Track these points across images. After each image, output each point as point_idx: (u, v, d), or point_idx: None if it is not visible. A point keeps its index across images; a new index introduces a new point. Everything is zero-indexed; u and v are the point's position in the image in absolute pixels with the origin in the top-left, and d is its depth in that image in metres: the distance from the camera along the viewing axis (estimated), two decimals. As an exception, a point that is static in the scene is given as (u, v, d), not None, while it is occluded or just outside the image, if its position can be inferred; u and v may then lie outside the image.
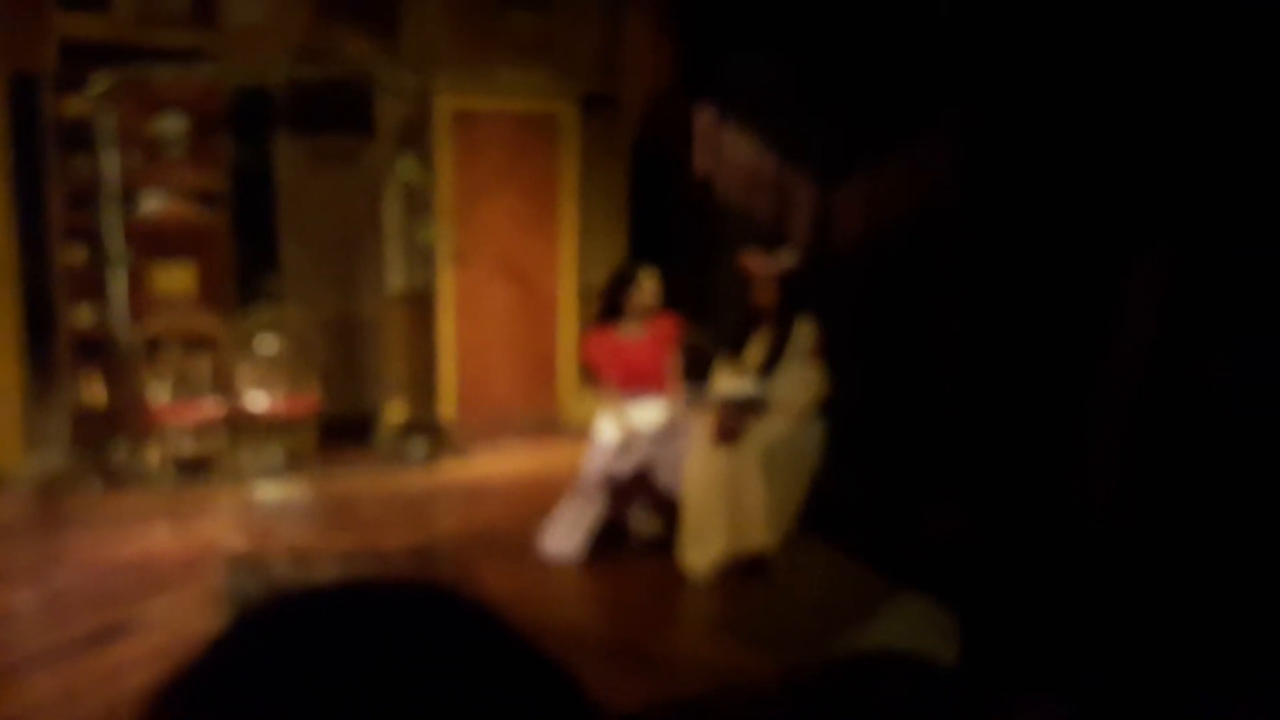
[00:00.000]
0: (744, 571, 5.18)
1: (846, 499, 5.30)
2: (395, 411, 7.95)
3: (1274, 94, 3.63)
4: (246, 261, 7.39)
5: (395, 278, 7.97)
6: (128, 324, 6.97)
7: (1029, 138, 4.72)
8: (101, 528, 6.02)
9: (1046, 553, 4.27)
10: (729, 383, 5.60)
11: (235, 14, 7.30)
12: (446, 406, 8.26)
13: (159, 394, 6.90)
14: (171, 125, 7.04)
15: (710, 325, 6.48)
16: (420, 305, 8.07)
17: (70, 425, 7.03)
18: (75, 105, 6.79)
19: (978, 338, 5.17)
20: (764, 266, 5.60)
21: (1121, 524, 4.10)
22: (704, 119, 7.25)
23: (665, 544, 5.48)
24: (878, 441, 5.68)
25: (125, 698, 3.92)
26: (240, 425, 7.05)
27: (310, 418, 7.19)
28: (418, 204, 7.91)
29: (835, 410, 5.41)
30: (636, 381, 5.67)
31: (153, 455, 6.89)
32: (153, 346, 6.99)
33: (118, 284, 6.96)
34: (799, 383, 5.39)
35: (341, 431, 7.60)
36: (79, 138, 6.82)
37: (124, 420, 6.98)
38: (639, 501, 5.66)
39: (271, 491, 6.79)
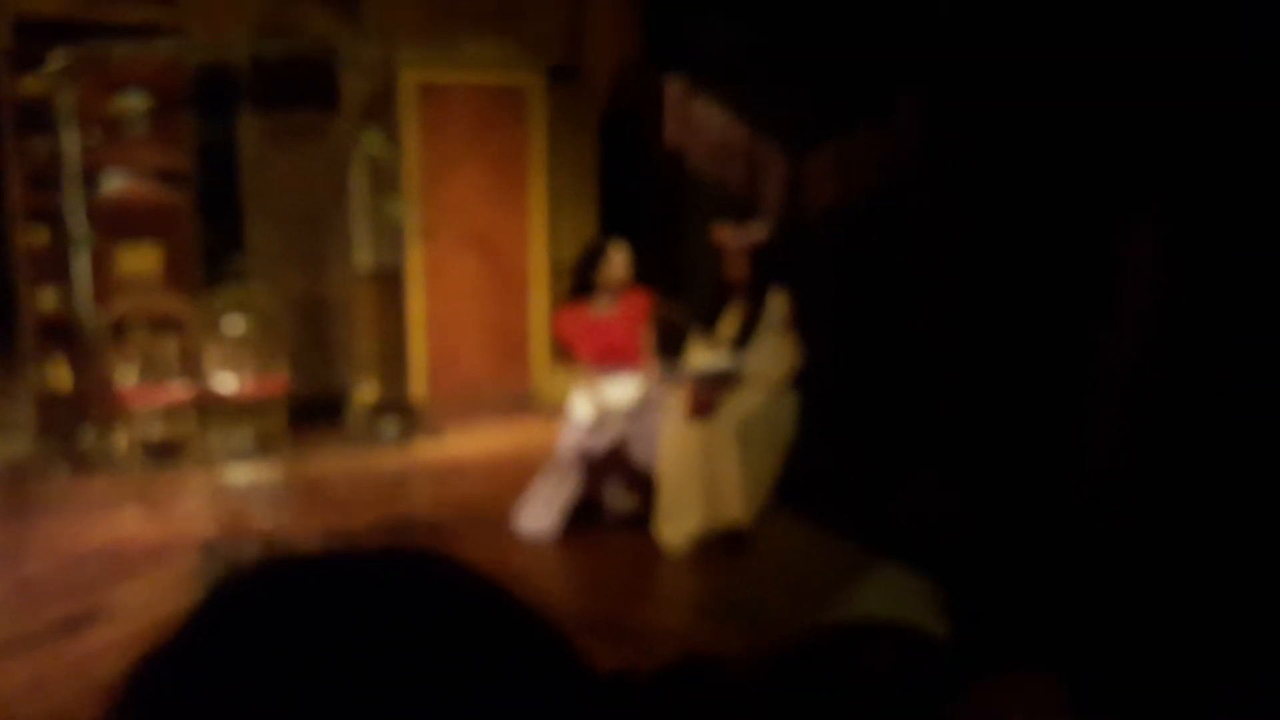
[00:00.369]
0: (720, 545, 5.17)
1: (822, 471, 5.28)
2: (366, 391, 7.88)
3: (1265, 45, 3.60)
4: (212, 241, 7.31)
5: (363, 255, 7.88)
6: (92, 306, 6.90)
7: (1003, 101, 4.69)
8: (69, 514, 5.96)
9: (1033, 525, 4.25)
10: (702, 357, 5.57)
11: (194, -12, 7.19)
12: (418, 385, 8.20)
13: (126, 377, 6.81)
14: (132, 103, 6.94)
15: (683, 299, 6.45)
16: (389, 282, 8.00)
17: (36, 410, 6.94)
18: (33, 84, 6.69)
19: (955, 305, 5.15)
20: (736, 239, 5.56)
21: (1120, 497, 4.08)
22: (673, 89, 7.18)
23: (640, 519, 5.45)
24: (853, 413, 5.67)
25: (96, 686, 3.87)
26: (209, 408, 6.98)
27: (280, 399, 7.12)
28: (384, 179, 7.83)
29: (809, 382, 5.39)
30: (610, 357, 5.63)
31: (120, 439, 6.82)
32: (118, 329, 6.90)
33: (81, 266, 6.89)
34: (773, 356, 5.37)
35: (312, 412, 7.53)
36: (37, 117, 6.73)
37: (91, 404, 6.90)
38: (614, 478, 5.63)
39: (242, 474, 6.73)
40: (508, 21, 8.13)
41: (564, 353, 6.02)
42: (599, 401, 5.54)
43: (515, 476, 6.08)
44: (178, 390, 6.88)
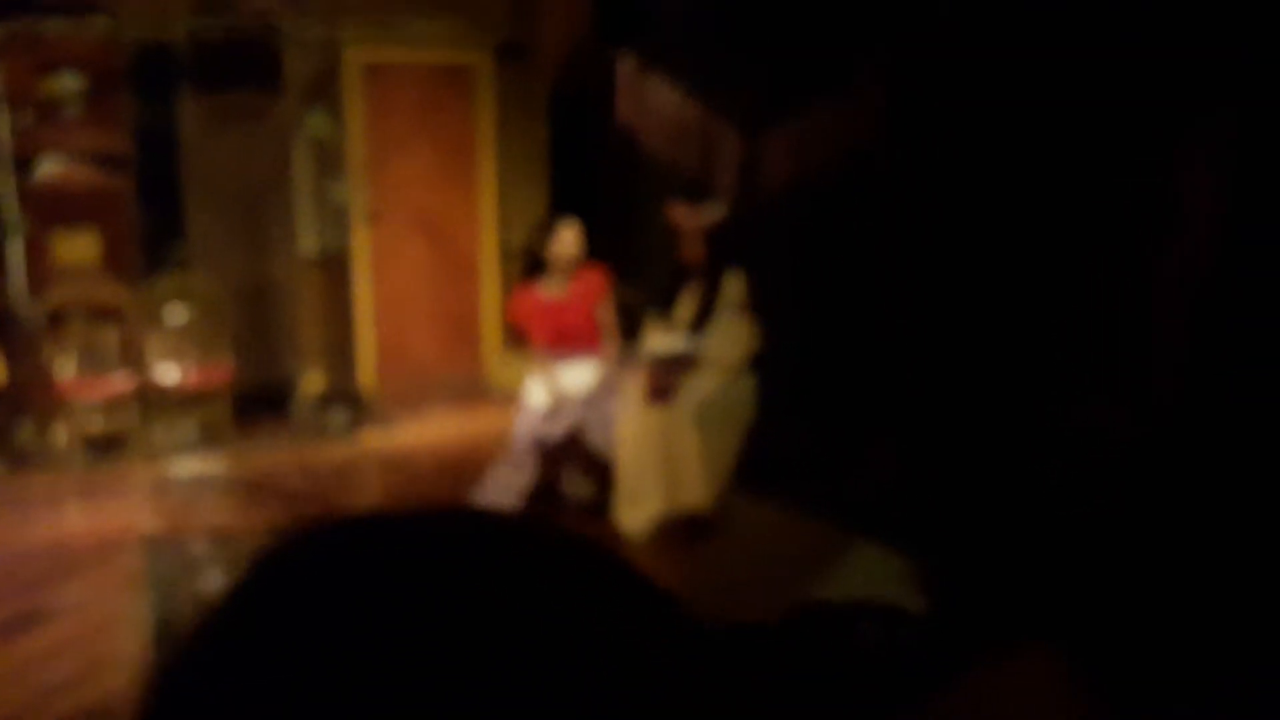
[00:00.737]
0: (682, 530, 5.09)
1: (783, 451, 5.22)
2: (313, 380, 7.73)
3: None
4: (151, 227, 7.13)
5: (308, 239, 7.73)
6: (27, 296, 6.73)
7: (965, 70, 4.64)
8: (8, 511, 5.80)
9: (997, 492, 4.20)
10: (659, 340, 5.50)
11: (130, -37, 6.99)
12: (366, 373, 8.07)
13: (64, 369, 6.64)
14: (67, 84, 6.76)
15: (637, 281, 6.35)
16: (335, 268, 7.85)
17: (-30, 405, 6.74)
18: (-41, 66, 6.48)
19: (915, 280, 5.11)
20: (690, 219, 5.48)
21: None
22: (625, 67, 7.07)
23: (599, 506, 5.37)
24: (814, 390, 5.61)
25: (40, 689, 3.74)
26: (151, 399, 6.82)
27: (224, 389, 6.96)
28: (329, 162, 7.69)
29: (768, 362, 5.33)
30: (565, 341, 5.53)
31: (60, 434, 6.66)
32: (55, 319, 6.73)
33: (15, 254, 6.73)
34: (730, 338, 5.31)
35: (257, 403, 7.39)
36: (-35, 100, 6.53)
37: (28, 398, 6.72)
38: (571, 464, 5.53)
39: (187, 468, 6.57)
40: (453, -2, 8.00)
41: (518, 337, 5.91)
42: (554, 387, 5.44)
43: (468, 465, 6.00)
44: (118, 382, 6.71)
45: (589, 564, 0.51)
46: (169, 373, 6.82)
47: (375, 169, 8.00)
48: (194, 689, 0.45)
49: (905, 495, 4.54)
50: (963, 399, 4.70)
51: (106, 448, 6.68)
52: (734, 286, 5.37)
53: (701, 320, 5.41)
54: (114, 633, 4.17)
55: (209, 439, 6.85)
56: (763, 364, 5.35)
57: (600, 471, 5.42)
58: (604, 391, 5.44)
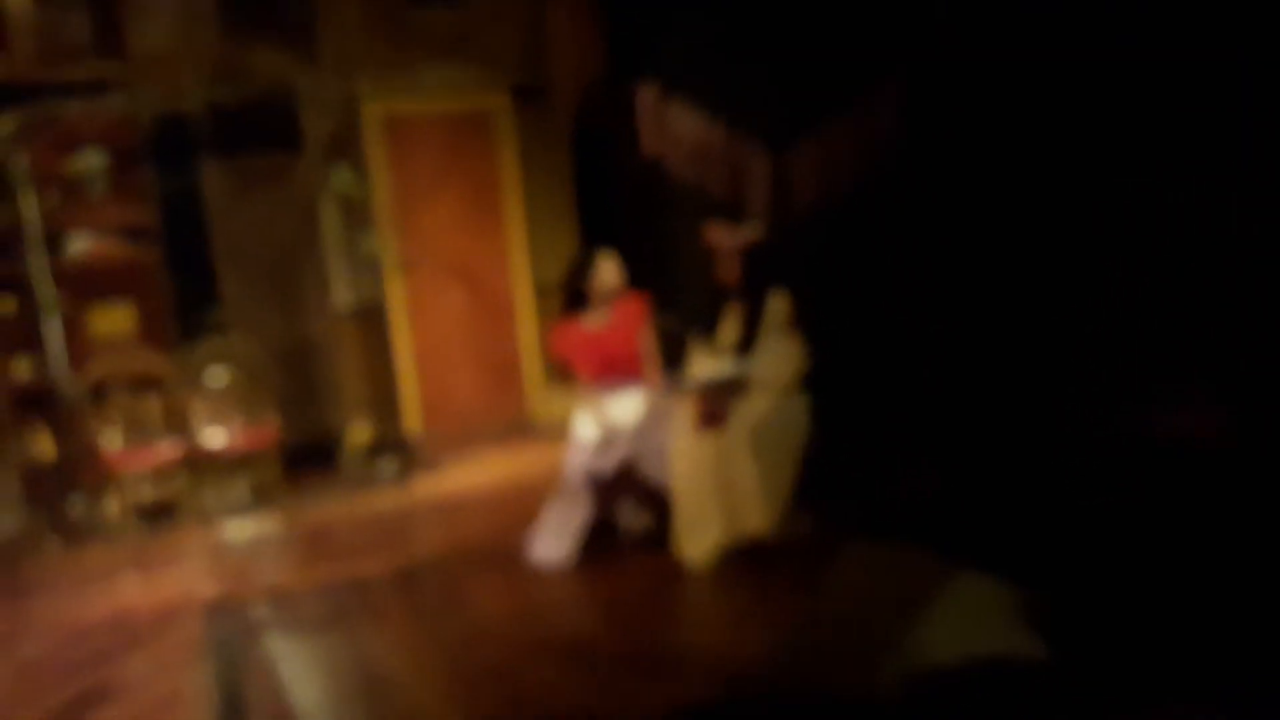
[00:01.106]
0: (746, 558, 5.00)
1: (842, 471, 5.12)
2: (359, 432, 7.71)
3: None
4: (185, 294, 7.19)
5: (342, 293, 7.74)
6: (68, 372, 6.76)
7: (981, 83, 4.57)
8: (66, 588, 5.77)
9: (1102, 513, 3.97)
10: (706, 365, 5.42)
11: (141, 41, 7.07)
12: (411, 420, 8.05)
13: (111, 441, 6.66)
14: (89, 162, 6.84)
15: (676, 308, 6.30)
16: (372, 319, 7.85)
17: (20, 484, 6.76)
18: (-16, 151, 6.54)
19: (946, 290, 5.02)
20: (728, 240, 5.43)
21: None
22: (647, 97, 7.03)
23: (658, 538, 5.29)
24: (867, 408, 5.51)
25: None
26: (200, 464, 6.81)
27: (272, 448, 6.95)
28: (356, 216, 7.71)
29: (818, 382, 5.24)
30: (612, 370, 5.48)
31: (112, 506, 6.66)
32: (98, 392, 6.75)
33: (53, 332, 6.75)
34: (778, 358, 5.22)
35: (306, 459, 7.39)
36: (-7, 184, 6.58)
37: (77, 472, 6.74)
38: (625, 497, 5.46)
39: (241, 530, 6.54)
40: (467, 45, 8.03)
41: (563, 373, 5.87)
42: (603, 420, 5.38)
43: (522, 505, 5.94)
44: (166, 450, 6.71)
45: None
46: (215, 436, 6.82)
47: (403, 219, 8.01)
48: None
49: (984, 518, 4.37)
50: (1030, 411, 4.54)
51: (159, 516, 6.68)
52: (778, 307, 5.29)
53: (747, 342, 5.34)
54: (181, 706, 4.12)
55: (260, 499, 6.84)
56: (813, 383, 5.26)
57: (656, 503, 5.35)
58: (653, 421, 5.37)
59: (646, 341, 5.60)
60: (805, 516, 5.01)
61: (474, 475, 7.38)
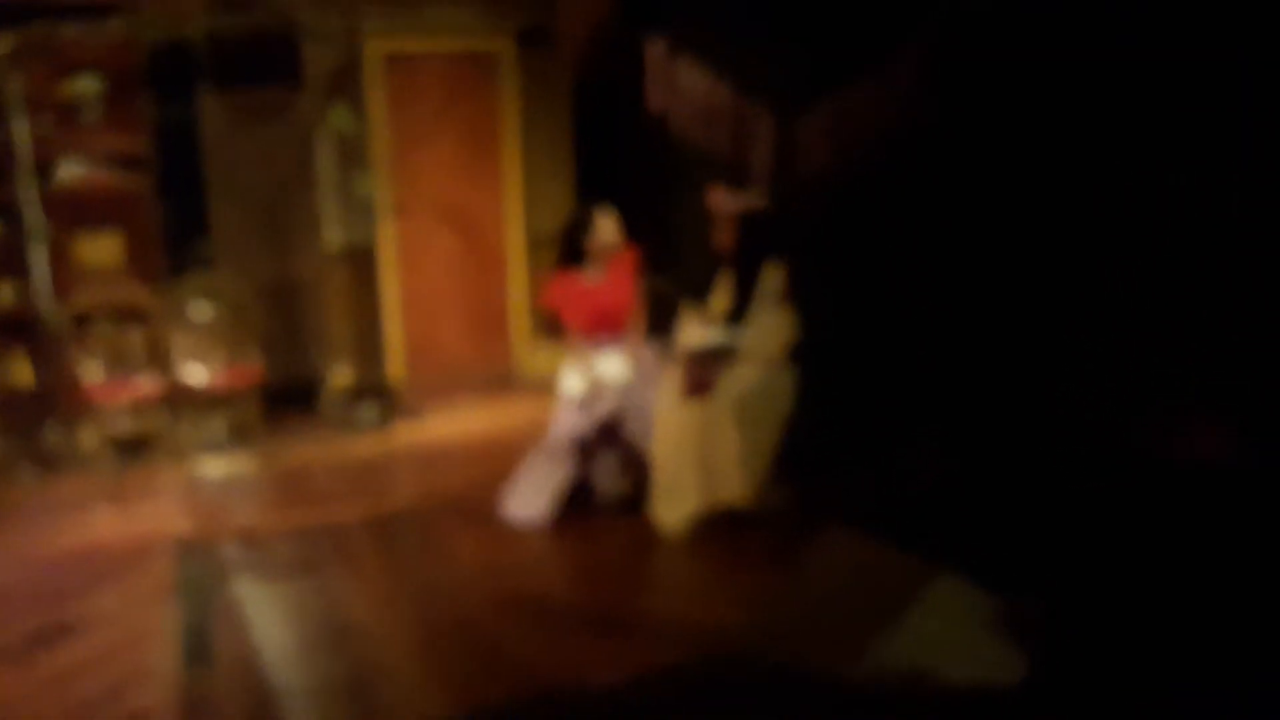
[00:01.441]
0: (721, 527, 4.98)
1: (824, 446, 5.08)
2: (341, 375, 7.68)
3: None
4: (175, 227, 7.07)
5: (333, 234, 7.66)
6: (52, 300, 6.68)
7: (1012, 53, 4.44)
8: (39, 518, 5.75)
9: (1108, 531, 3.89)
10: (696, 333, 5.38)
11: (144, -37, 6.93)
12: (395, 367, 8.01)
13: (91, 372, 6.58)
14: (85, 87, 6.70)
15: (672, 272, 6.23)
16: (361, 262, 7.78)
17: (-2, 410, 6.70)
18: (-23, 72, 6.43)
19: (954, 268, 4.93)
20: (729, 203, 5.37)
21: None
22: (655, 51, 6.92)
23: (634, 503, 5.27)
24: (855, 383, 5.45)
25: (75, 704, 3.66)
26: (179, 400, 6.76)
27: (252, 388, 6.89)
28: (352, 155, 7.62)
29: (806, 354, 5.19)
30: (602, 326, 5.46)
31: (88, 437, 6.63)
32: (81, 322, 6.69)
33: (39, 258, 6.67)
34: (769, 329, 5.18)
35: (286, 400, 7.36)
36: (-15, 107, 6.48)
37: (55, 402, 6.69)
38: (605, 459, 5.43)
39: (217, 468, 6.51)
40: (474, -17, 7.92)
41: (551, 326, 5.83)
42: (591, 376, 5.35)
43: (500, 459, 5.92)
44: (146, 383, 6.65)
45: None
46: (196, 373, 6.75)
47: (399, 161, 7.93)
48: None
49: (969, 518, 4.30)
50: (1029, 414, 4.44)
51: (135, 450, 6.63)
52: (773, 277, 5.24)
53: (739, 311, 5.29)
54: (148, 644, 4.10)
55: (238, 438, 6.78)
56: (802, 355, 5.21)
57: (636, 467, 5.33)
58: (641, 381, 5.34)
59: (634, 294, 5.56)
60: (784, 489, 4.98)
61: (455, 426, 7.35)
